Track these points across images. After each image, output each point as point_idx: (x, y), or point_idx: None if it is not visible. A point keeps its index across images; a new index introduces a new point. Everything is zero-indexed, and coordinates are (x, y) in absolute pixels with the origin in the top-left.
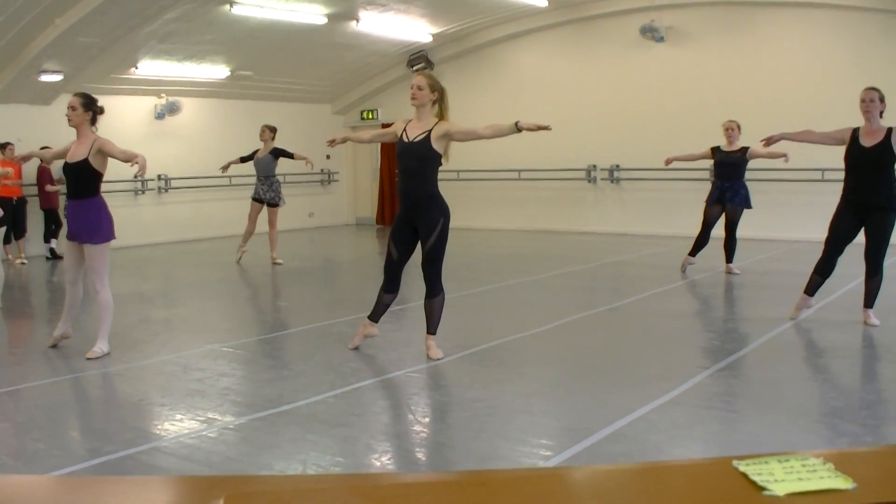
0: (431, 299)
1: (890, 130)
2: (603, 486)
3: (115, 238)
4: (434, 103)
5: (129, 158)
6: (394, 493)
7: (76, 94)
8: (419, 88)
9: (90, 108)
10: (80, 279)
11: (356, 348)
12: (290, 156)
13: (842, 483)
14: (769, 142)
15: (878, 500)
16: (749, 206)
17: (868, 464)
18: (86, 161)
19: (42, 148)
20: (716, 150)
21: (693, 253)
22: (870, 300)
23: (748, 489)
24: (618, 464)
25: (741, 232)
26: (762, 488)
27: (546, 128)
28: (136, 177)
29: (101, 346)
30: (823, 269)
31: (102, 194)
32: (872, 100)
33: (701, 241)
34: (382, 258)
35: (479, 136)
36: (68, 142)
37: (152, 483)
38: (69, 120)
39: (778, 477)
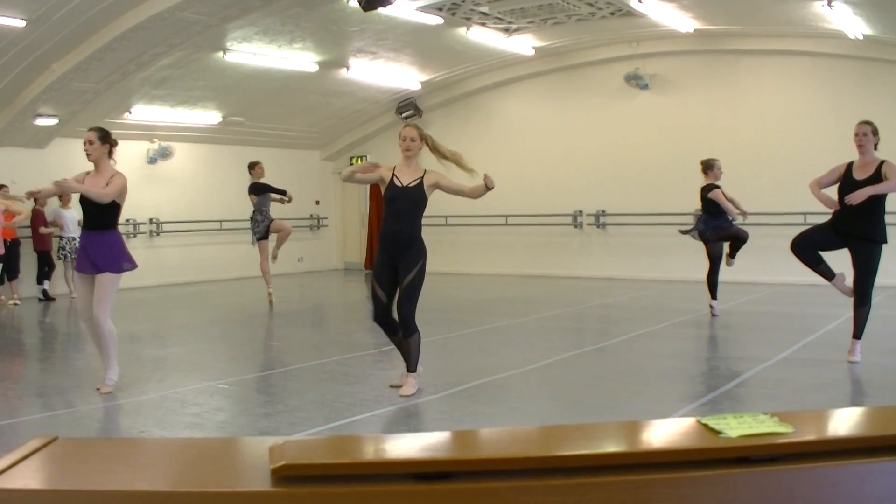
0: (408, 338)
1: (881, 164)
2: (592, 434)
3: (127, 269)
4: (435, 150)
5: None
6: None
7: (91, 129)
8: (412, 140)
9: (107, 141)
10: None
11: (395, 386)
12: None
13: (783, 428)
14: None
15: (810, 439)
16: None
17: (806, 418)
18: None
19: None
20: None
21: (713, 296)
22: (858, 330)
23: (708, 434)
24: (602, 422)
25: (724, 276)
26: (719, 433)
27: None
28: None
29: (110, 376)
30: (810, 261)
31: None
32: (866, 133)
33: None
34: (370, 302)
35: (463, 195)
36: (80, 174)
37: (210, 443)
38: (88, 155)
39: (732, 426)
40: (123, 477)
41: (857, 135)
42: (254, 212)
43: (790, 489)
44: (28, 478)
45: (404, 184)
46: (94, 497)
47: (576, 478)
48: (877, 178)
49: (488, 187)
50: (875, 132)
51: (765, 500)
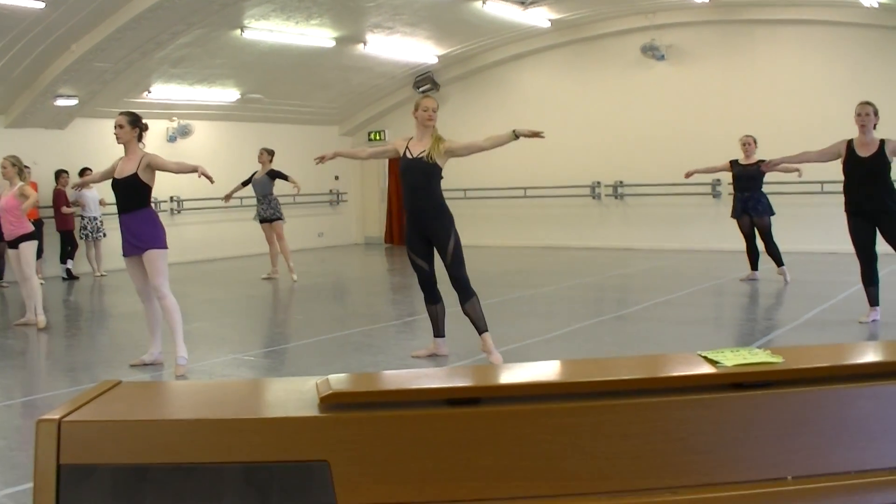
0: (466, 304)
1: (883, 142)
2: (604, 365)
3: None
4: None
5: (183, 171)
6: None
7: (122, 113)
8: (434, 111)
9: (136, 125)
10: (151, 294)
11: (417, 357)
12: (284, 178)
13: (774, 358)
14: (768, 167)
15: (796, 367)
16: (772, 213)
17: (796, 351)
18: (135, 175)
19: (83, 170)
20: (734, 164)
21: (754, 267)
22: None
23: (706, 364)
24: (613, 357)
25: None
26: (717, 363)
27: (539, 134)
28: (209, 179)
29: (182, 355)
30: (869, 279)
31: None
32: (868, 114)
33: (751, 253)
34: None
35: (480, 148)
36: (114, 160)
37: (258, 384)
38: (118, 138)
39: (728, 357)
40: (187, 408)
41: (859, 114)
42: (266, 195)
43: (779, 411)
44: (102, 411)
45: (414, 155)
46: (164, 425)
47: (590, 401)
48: (880, 154)
49: (517, 136)
50: (876, 113)
51: (757, 420)
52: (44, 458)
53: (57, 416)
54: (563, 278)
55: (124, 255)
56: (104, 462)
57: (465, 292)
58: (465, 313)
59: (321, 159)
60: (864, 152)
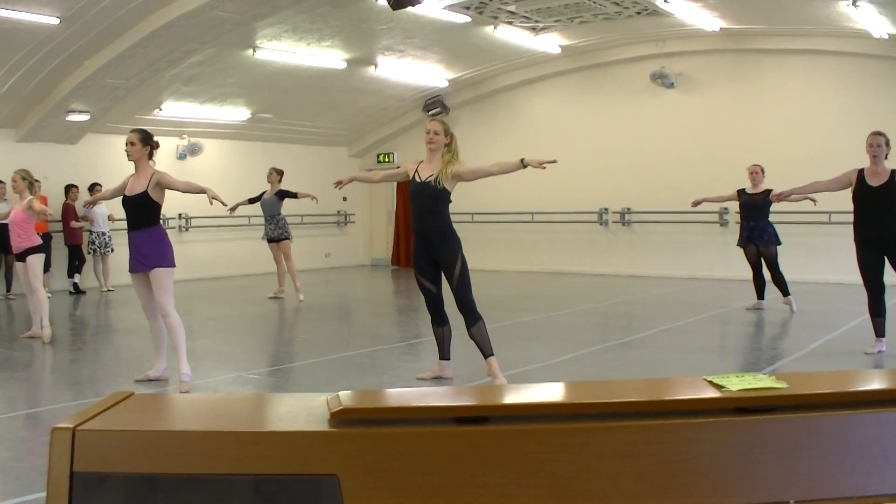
0: (472, 328)
1: (893, 171)
2: (610, 388)
3: (174, 265)
4: (446, 146)
5: (191, 190)
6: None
7: (133, 131)
8: (436, 133)
9: (147, 143)
10: (157, 311)
11: (422, 378)
12: (294, 196)
13: (778, 384)
14: (778, 198)
15: (800, 392)
16: (779, 243)
17: (800, 378)
18: (145, 193)
19: (93, 185)
20: (741, 193)
21: (760, 296)
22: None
23: (711, 388)
24: (620, 379)
25: (748, 274)
26: (721, 387)
27: (551, 162)
28: (219, 203)
29: (186, 372)
30: (876, 310)
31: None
32: (880, 144)
33: (757, 282)
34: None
35: (488, 173)
36: (125, 178)
37: (269, 398)
38: (129, 155)
39: (734, 382)
40: (199, 420)
41: (870, 145)
42: (273, 216)
43: (783, 435)
44: (115, 421)
45: (422, 178)
46: (176, 436)
47: (596, 423)
48: (891, 183)
49: (525, 165)
50: (888, 143)
51: (760, 444)
52: (58, 466)
53: (71, 425)
54: (569, 304)
55: (131, 271)
56: (116, 471)
57: (472, 316)
58: (471, 337)
59: (339, 184)
60: (874, 182)
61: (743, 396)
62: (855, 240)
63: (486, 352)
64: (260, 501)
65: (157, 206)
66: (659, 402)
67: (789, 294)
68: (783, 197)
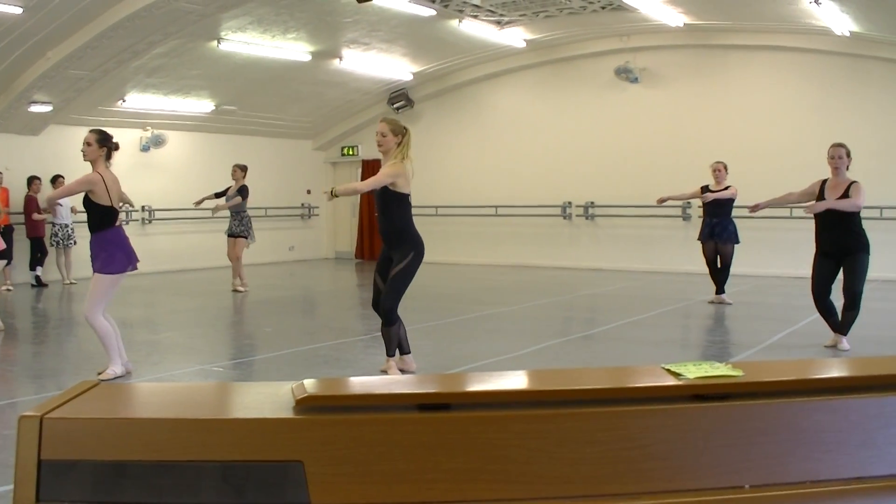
0: (388, 328)
1: (850, 184)
2: (570, 376)
3: (117, 273)
4: (398, 145)
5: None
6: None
7: (92, 131)
8: (383, 135)
9: (104, 144)
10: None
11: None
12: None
13: (734, 372)
14: (755, 209)
15: (756, 380)
16: (738, 241)
17: (755, 366)
18: (85, 196)
19: (56, 177)
20: (704, 189)
21: (718, 290)
22: (845, 329)
23: (669, 376)
24: (579, 367)
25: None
26: (679, 375)
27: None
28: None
29: (110, 370)
30: (825, 311)
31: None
32: (840, 156)
33: (714, 276)
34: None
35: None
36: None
37: (235, 387)
38: (84, 155)
39: (691, 370)
40: (166, 408)
41: (831, 157)
42: (238, 212)
43: (738, 422)
44: (82, 409)
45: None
46: (144, 424)
47: (557, 409)
48: (846, 197)
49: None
50: (848, 154)
51: (716, 430)
52: (25, 454)
53: (39, 414)
54: (533, 297)
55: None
56: (84, 458)
57: (389, 317)
58: (382, 335)
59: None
60: (831, 195)
61: (700, 384)
62: (815, 249)
63: (404, 349)
64: (227, 487)
65: (99, 209)
66: (618, 389)
67: (724, 293)
68: (760, 208)
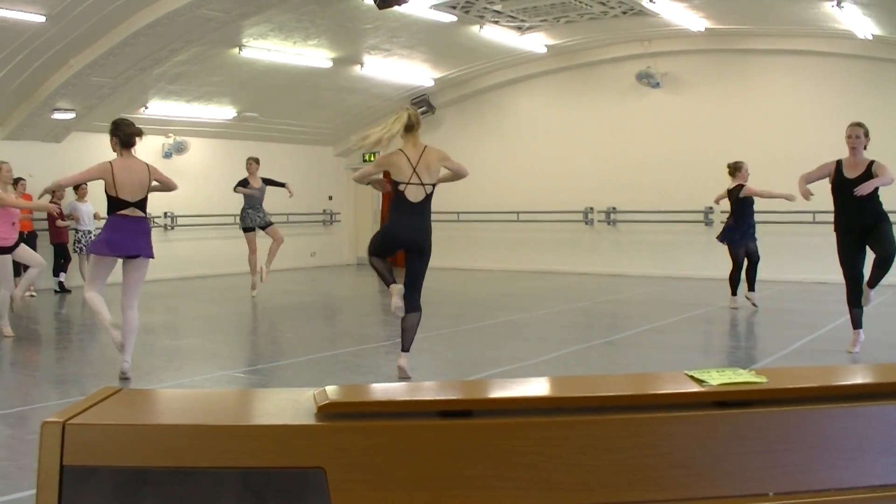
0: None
1: (871, 163)
2: (592, 382)
3: (95, 253)
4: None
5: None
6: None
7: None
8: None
9: (114, 133)
10: (127, 305)
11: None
12: (281, 184)
13: (758, 378)
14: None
15: (779, 387)
16: (722, 241)
17: (779, 373)
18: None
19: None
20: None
21: (751, 288)
22: (874, 283)
23: (692, 382)
24: (602, 374)
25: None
26: (702, 381)
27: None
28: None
29: (112, 334)
30: (856, 299)
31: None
32: (858, 136)
33: (737, 279)
34: (382, 296)
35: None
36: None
37: (257, 393)
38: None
39: (714, 377)
40: (187, 414)
41: (849, 136)
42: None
43: (761, 429)
44: (104, 415)
45: None
46: (165, 430)
47: (578, 416)
48: (867, 176)
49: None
50: (867, 134)
51: (740, 437)
52: (47, 460)
53: (61, 420)
54: (554, 303)
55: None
56: (106, 464)
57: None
58: (413, 326)
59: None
60: (851, 173)
61: (723, 391)
62: (835, 229)
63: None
64: (247, 494)
65: (107, 196)
66: (640, 396)
67: (737, 295)
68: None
